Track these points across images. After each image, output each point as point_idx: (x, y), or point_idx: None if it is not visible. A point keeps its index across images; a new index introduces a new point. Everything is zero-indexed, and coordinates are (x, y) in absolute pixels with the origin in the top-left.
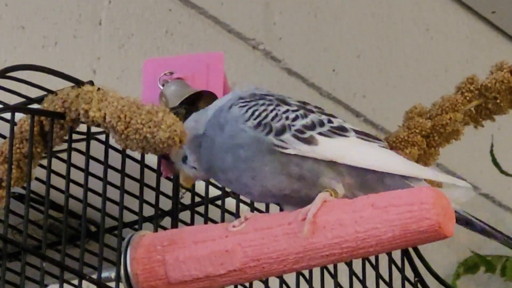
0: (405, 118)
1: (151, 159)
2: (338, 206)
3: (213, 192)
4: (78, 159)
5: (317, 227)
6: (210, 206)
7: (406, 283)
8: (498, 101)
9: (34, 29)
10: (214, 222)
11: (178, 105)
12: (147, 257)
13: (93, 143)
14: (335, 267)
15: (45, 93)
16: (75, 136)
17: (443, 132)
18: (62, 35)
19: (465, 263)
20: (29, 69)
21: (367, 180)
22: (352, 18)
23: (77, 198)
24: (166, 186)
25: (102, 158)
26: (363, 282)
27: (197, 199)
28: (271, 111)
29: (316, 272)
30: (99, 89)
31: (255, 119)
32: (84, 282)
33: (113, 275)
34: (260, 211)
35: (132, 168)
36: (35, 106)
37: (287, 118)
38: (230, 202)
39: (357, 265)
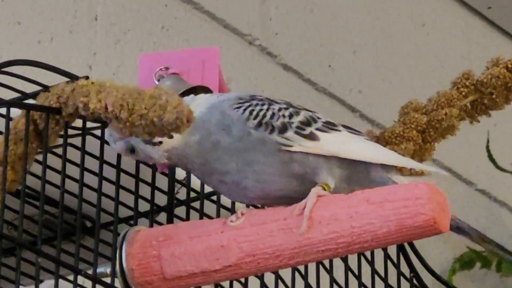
0: (400, 113)
1: None
2: (333, 201)
3: (209, 187)
4: (73, 154)
5: (312, 222)
6: (205, 201)
7: (402, 279)
8: (493, 96)
9: (30, 25)
10: (210, 217)
11: None
12: (142, 252)
13: (89, 138)
14: (331, 262)
15: (41, 88)
16: (70, 132)
17: (439, 127)
18: (58, 31)
19: (461, 258)
20: (24, 64)
21: (354, 172)
22: (348, 13)
23: (72, 193)
24: (162, 182)
25: (97, 154)
26: (358, 277)
27: (192, 194)
28: (267, 110)
29: (312, 267)
30: (93, 83)
31: (254, 119)
32: (80, 278)
33: (108, 270)
34: (255, 206)
35: (128, 164)
36: (30, 101)
37: (284, 116)
38: (226, 198)
39: (352, 260)
